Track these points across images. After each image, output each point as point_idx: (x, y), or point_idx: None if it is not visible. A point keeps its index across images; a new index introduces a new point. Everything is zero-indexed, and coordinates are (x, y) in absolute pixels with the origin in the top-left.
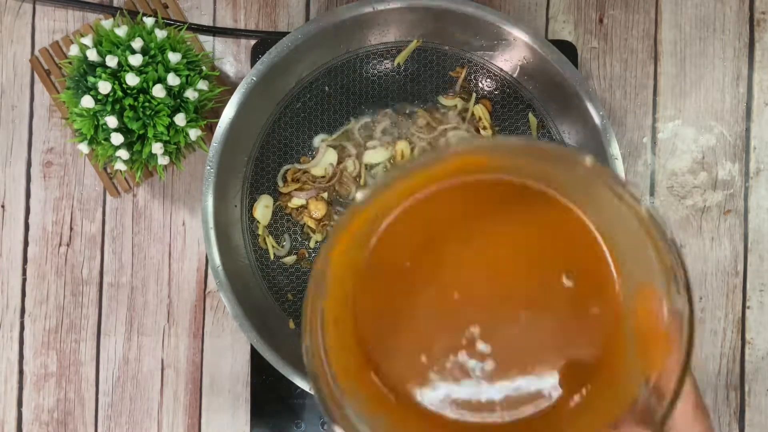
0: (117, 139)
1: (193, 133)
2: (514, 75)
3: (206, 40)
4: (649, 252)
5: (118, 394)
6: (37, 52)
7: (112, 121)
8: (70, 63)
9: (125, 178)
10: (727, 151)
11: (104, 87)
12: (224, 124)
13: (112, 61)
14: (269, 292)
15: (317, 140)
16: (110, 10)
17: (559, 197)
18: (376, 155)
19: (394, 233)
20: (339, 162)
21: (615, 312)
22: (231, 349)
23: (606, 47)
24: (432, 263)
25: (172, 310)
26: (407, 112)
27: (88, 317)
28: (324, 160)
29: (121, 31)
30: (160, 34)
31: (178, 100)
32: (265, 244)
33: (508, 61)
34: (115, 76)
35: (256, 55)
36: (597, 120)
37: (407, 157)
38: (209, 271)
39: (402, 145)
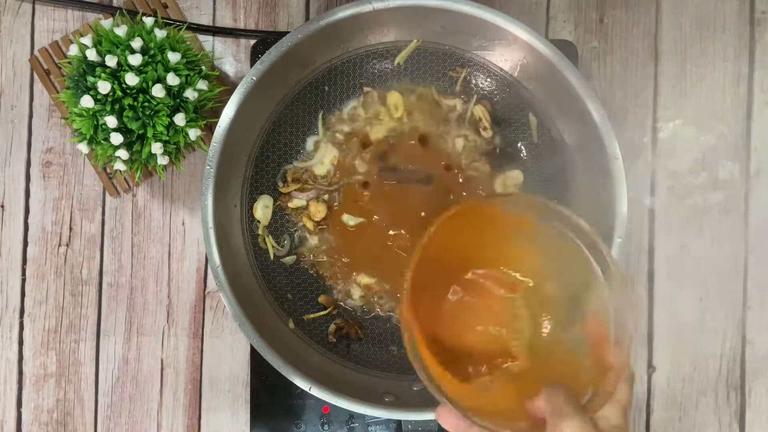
0: (116, 138)
1: (193, 133)
2: (514, 75)
3: (206, 40)
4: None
5: (118, 395)
6: (36, 52)
7: (111, 121)
8: (69, 63)
9: (125, 178)
10: (727, 150)
11: (104, 87)
12: (224, 124)
13: (111, 61)
14: (269, 292)
15: (309, 142)
16: (110, 10)
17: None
18: (379, 130)
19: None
20: (343, 157)
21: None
22: (231, 349)
23: (606, 47)
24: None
25: (171, 310)
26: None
27: (88, 317)
28: (326, 158)
29: (121, 31)
30: (160, 33)
31: (178, 100)
32: (265, 244)
33: (508, 60)
34: (115, 75)
35: (255, 54)
36: (597, 120)
37: (400, 107)
38: (209, 271)
39: (394, 98)
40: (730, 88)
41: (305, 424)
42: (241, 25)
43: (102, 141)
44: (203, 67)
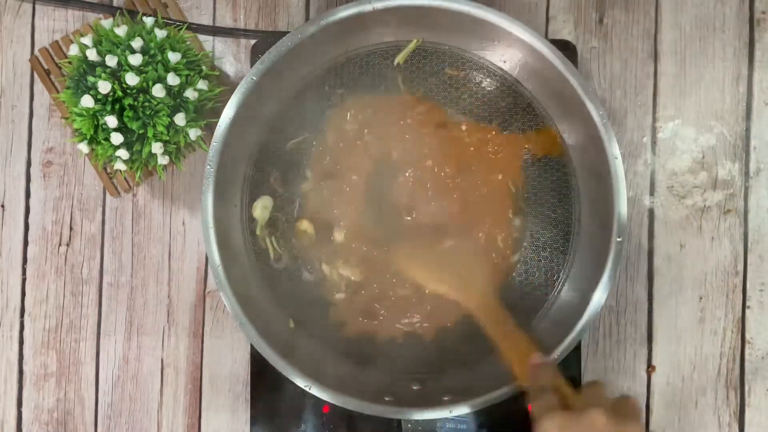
0: (117, 138)
1: (193, 133)
2: (514, 75)
3: (206, 40)
4: None
5: (118, 394)
6: (36, 52)
7: (111, 121)
8: (69, 63)
9: (125, 178)
10: (727, 150)
11: (104, 86)
12: (224, 124)
13: (111, 61)
14: (269, 291)
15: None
16: (110, 10)
17: None
18: None
19: None
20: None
21: None
22: (231, 349)
23: (606, 47)
24: None
25: (172, 309)
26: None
27: (88, 317)
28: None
29: (121, 31)
30: (160, 33)
31: (178, 100)
32: (265, 243)
33: (508, 61)
34: (115, 75)
35: (256, 54)
36: (597, 120)
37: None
38: (209, 270)
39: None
40: (729, 88)
41: (305, 424)
42: (241, 25)
43: (102, 141)
44: (203, 67)
